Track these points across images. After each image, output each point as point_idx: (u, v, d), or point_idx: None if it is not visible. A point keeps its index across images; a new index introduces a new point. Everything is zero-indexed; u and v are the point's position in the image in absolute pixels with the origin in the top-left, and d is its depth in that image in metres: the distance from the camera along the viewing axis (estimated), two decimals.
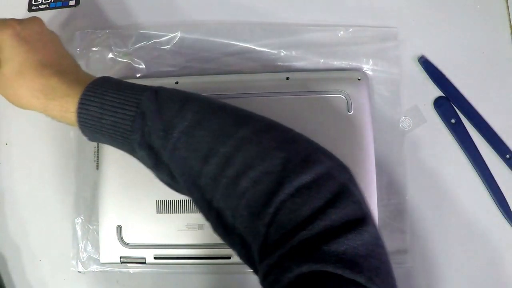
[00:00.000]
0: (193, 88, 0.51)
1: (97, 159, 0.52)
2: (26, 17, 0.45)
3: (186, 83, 0.53)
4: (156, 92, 0.39)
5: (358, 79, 0.52)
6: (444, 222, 0.51)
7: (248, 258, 0.35)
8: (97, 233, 0.51)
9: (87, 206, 0.53)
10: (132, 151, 0.40)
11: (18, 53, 0.41)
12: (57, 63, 0.42)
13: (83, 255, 0.52)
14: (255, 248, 0.34)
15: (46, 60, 0.42)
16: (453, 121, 0.52)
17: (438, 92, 0.54)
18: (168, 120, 0.37)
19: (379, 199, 0.50)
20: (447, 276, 0.50)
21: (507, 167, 0.51)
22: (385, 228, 0.50)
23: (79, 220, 0.52)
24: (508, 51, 0.54)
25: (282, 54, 0.54)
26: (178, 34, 0.55)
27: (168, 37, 0.55)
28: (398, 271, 0.49)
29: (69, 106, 0.39)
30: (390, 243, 0.50)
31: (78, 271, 0.52)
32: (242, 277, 0.51)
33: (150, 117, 0.37)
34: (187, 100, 0.39)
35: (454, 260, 0.50)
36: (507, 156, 0.52)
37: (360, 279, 0.29)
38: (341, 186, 0.33)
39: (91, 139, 0.41)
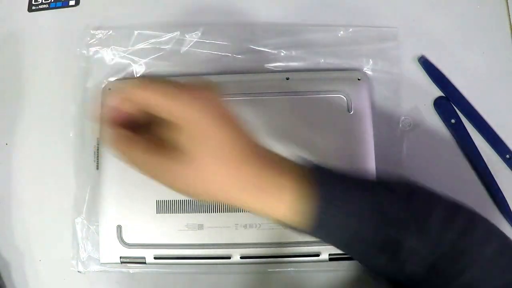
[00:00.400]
0: None
1: (97, 159, 0.52)
2: (200, 83, 0.35)
3: None
4: (390, 188, 0.35)
5: (358, 79, 0.52)
6: None
7: None
8: (97, 233, 0.51)
9: (87, 206, 0.53)
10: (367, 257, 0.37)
11: (215, 136, 0.32)
12: (258, 148, 0.35)
13: (83, 255, 0.52)
14: None
15: (248, 143, 0.34)
16: (453, 121, 0.52)
17: (438, 92, 0.54)
18: (423, 224, 0.35)
19: None
20: None
21: (507, 167, 0.51)
22: None
23: (79, 220, 0.52)
24: (508, 51, 0.54)
25: (282, 54, 0.54)
26: (178, 34, 0.55)
27: (168, 37, 0.55)
28: None
29: (285, 200, 0.33)
30: None
31: (78, 271, 0.52)
32: (242, 277, 0.51)
33: (399, 220, 0.35)
34: (429, 198, 0.37)
35: None
36: (507, 156, 0.52)
37: None
38: None
39: (313, 236, 0.36)
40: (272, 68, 0.54)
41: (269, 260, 0.49)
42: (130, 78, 0.55)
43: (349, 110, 0.50)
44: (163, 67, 0.55)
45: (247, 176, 0.33)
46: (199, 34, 0.55)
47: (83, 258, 0.52)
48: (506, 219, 0.51)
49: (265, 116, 0.50)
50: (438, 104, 0.53)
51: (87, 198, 0.53)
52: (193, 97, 0.32)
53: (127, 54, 0.55)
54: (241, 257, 0.49)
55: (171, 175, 0.33)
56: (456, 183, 0.51)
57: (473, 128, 0.52)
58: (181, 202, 0.49)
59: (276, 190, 0.33)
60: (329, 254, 0.48)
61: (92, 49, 0.55)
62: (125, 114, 0.34)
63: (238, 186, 0.33)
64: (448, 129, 0.53)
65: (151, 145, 0.33)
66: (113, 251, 0.50)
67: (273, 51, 0.54)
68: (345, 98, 0.50)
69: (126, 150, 0.34)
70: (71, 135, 0.55)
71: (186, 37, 0.55)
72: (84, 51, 0.55)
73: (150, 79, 0.33)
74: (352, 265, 0.49)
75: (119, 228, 0.50)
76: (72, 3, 0.59)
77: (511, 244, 0.38)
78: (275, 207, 0.34)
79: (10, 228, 0.54)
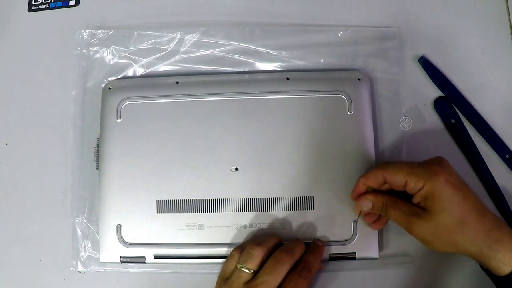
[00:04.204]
0: (193, 88, 0.52)
1: (97, 159, 0.52)
2: (434, 159, 0.44)
3: (186, 83, 0.53)
4: None
5: (359, 79, 0.52)
6: None
7: None
8: (97, 233, 0.51)
9: (87, 206, 0.53)
10: None
11: (455, 202, 0.41)
12: (486, 209, 0.42)
13: (83, 255, 0.52)
14: None
15: (480, 206, 0.42)
16: (453, 121, 0.52)
17: (438, 92, 0.54)
18: None
19: None
20: (448, 276, 0.50)
21: (507, 167, 0.51)
22: (387, 229, 0.50)
23: (79, 220, 0.52)
24: (508, 51, 0.54)
25: (282, 54, 0.54)
26: (178, 34, 0.55)
27: (168, 37, 0.55)
28: (401, 272, 0.50)
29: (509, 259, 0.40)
30: (392, 243, 0.50)
31: (78, 271, 0.52)
32: None
33: None
34: None
35: (455, 260, 0.50)
36: (507, 156, 0.52)
37: None
38: None
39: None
40: (272, 68, 0.54)
41: None
42: (130, 78, 0.55)
43: (349, 110, 0.50)
44: (163, 67, 0.55)
45: (482, 236, 0.40)
46: (199, 34, 0.55)
47: (83, 258, 0.52)
48: (506, 219, 0.50)
49: (265, 116, 0.50)
50: (438, 104, 0.53)
51: (87, 198, 0.53)
52: (441, 177, 0.41)
53: (127, 54, 0.55)
54: None
55: (420, 228, 0.42)
56: None
57: (473, 128, 0.52)
58: (181, 201, 0.49)
59: (505, 251, 0.40)
60: (329, 254, 0.48)
61: (92, 49, 0.56)
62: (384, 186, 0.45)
63: (471, 243, 0.41)
64: (448, 129, 0.53)
65: (407, 205, 0.44)
66: (113, 251, 0.50)
67: (273, 51, 0.55)
68: (345, 98, 0.50)
69: (392, 209, 0.44)
70: (70, 135, 0.55)
71: (186, 37, 0.55)
72: (85, 51, 0.56)
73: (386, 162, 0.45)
74: (352, 265, 0.49)
75: (119, 227, 0.50)
76: (72, 3, 0.59)
77: None
78: (500, 264, 0.40)
79: (10, 227, 0.54)
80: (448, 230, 0.41)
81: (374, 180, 0.45)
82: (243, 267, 0.43)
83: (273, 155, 0.50)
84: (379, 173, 0.44)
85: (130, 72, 0.55)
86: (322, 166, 0.49)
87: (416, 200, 0.43)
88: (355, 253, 0.48)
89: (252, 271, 0.43)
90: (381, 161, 0.47)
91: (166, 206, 0.50)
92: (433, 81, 0.54)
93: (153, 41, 0.55)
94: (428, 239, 0.42)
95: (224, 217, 0.49)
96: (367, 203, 0.45)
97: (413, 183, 0.42)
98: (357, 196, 0.46)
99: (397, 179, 0.43)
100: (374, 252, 0.48)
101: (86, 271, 0.52)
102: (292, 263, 0.44)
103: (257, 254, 0.44)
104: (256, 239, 0.47)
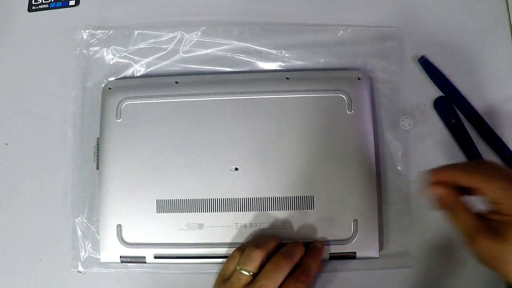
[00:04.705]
0: (193, 88, 0.52)
1: (97, 159, 0.52)
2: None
3: (186, 83, 0.53)
4: None
5: (358, 79, 0.52)
6: (446, 222, 0.51)
7: None
8: (97, 233, 0.51)
9: (87, 206, 0.53)
10: None
11: None
12: None
13: (83, 255, 0.52)
14: None
15: None
16: (453, 121, 0.52)
17: (438, 92, 0.54)
18: None
19: (380, 200, 0.50)
20: (449, 275, 0.50)
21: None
22: (387, 229, 0.50)
23: (79, 220, 0.52)
24: (508, 51, 0.54)
25: (282, 53, 0.54)
26: (178, 34, 0.55)
27: (168, 37, 0.55)
28: (401, 271, 0.50)
29: None
30: (392, 244, 0.50)
31: (78, 271, 0.52)
32: None
33: None
34: None
35: (455, 261, 0.50)
36: (507, 156, 0.52)
37: None
38: None
39: None
40: (272, 67, 0.54)
41: None
42: (130, 78, 0.55)
43: (349, 110, 0.50)
44: (163, 67, 0.55)
45: None
46: (199, 33, 0.55)
47: (83, 258, 0.52)
48: None
49: (265, 115, 0.50)
50: (438, 104, 0.53)
51: (87, 198, 0.53)
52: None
53: (127, 54, 0.55)
54: None
55: (481, 247, 0.37)
56: None
57: (473, 128, 0.52)
58: (181, 201, 0.49)
59: None
60: (329, 254, 0.48)
61: (92, 49, 0.56)
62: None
63: None
64: (448, 129, 0.53)
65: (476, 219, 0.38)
66: (113, 251, 0.50)
67: (273, 51, 0.55)
68: (345, 97, 0.50)
69: (462, 216, 0.39)
70: (70, 134, 0.55)
71: (186, 36, 0.55)
72: (84, 51, 0.56)
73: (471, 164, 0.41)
74: (352, 265, 0.49)
75: (119, 227, 0.50)
76: (72, 3, 0.59)
77: None
78: None
79: (10, 227, 0.54)
80: (507, 259, 0.36)
81: (453, 179, 0.39)
82: (242, 269, 0.43)
83: (273, 154, 0.50)
84: (471, 179, 0.38)
85: (130, 72, 0.55)
86: (322, 165, 0.49)
87: (495, 217, 0.38)
88: (355, 253, 0.48)
89: (251, 273, 0.43)
90: (475, 161, 0.42)
91: (166, 206, 0.50)
92: (433, 81, 0.54)
93: (153, 40, 0.56)
94: (481, 258, 0.38)
95: (224, 217, 0.49)
96: (440, 192, 0.40)
97: (508, 206, 0.36)
98: (434, 183, 0.40)
99: (490, 193, 0.37)
100: (374, 252, 0.48)
101: (86, 271, 0.52)
102: (291, 267, 0.44)
103: (257, 257, 0.44)
104: (255, 241, 0.47)
